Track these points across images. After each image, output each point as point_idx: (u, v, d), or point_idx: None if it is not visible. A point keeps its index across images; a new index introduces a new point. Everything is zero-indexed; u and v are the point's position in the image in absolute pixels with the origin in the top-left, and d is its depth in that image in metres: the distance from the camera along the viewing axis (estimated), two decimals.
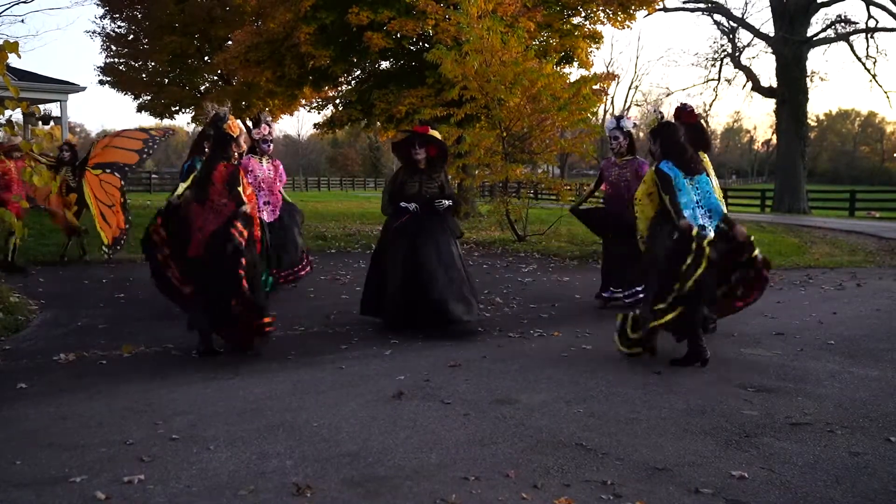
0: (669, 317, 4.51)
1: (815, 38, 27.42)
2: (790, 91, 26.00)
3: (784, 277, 8.91)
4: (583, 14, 17.50)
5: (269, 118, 7.50)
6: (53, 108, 19.85)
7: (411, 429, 3.49)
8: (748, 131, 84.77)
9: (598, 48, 18.47)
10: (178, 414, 3.67)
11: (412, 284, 5.49)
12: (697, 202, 4.67)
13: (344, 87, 19.49)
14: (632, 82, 74.49)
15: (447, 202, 5.75)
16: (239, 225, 4.73)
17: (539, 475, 2.97)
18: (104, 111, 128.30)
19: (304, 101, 25.11)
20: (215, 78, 27.52)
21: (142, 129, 8.86)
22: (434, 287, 5.42)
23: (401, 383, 4.26)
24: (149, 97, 27.45)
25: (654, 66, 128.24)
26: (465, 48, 11.64)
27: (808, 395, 4.09)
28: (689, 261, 4.39)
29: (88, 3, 74.04)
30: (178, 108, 27.67)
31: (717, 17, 31.05)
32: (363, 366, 4.69)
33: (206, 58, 26.59)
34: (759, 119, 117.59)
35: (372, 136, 50.35)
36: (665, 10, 29.65)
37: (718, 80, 33.68)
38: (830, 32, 28.22)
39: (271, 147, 7.32)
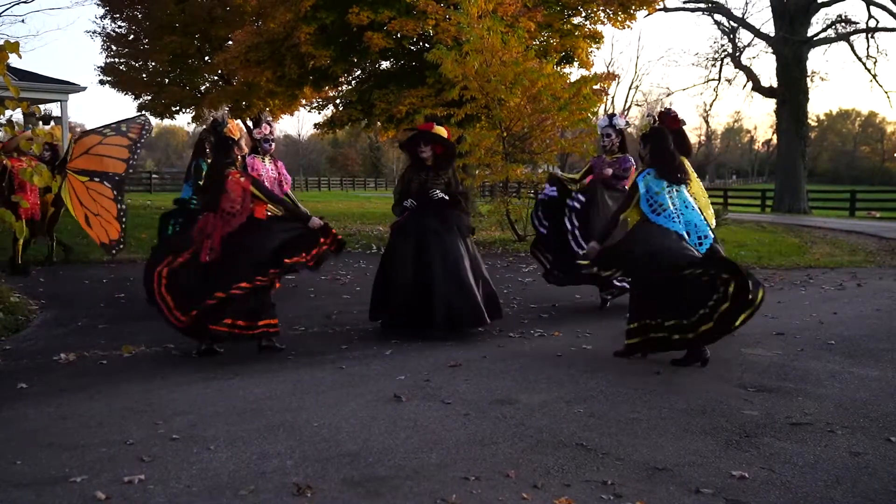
0: (636, 340, 4.63)
1: (815, 38, 27.42)
2: (790, 91, 26.00)
3: (784, 277, 8.91)
4: (583, 14, 17.48)
5: (270, 118, 7.50)
6: (54, 108, 19.82)
7: (411, 429, 3.49)
8: (748, 131, 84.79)
9: (598, 48, 18.46)
10: (178, 414, 3.67)
11: (418, 287, 5.37)
12: (678, 213, 4.73)
13: (344, 87, 19.47)
14: (632, 82, 74.37)
15: (439, 192, 5.54)
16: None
17: (539, 475, 2.96)
18: (105, 111, 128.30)
19: (304, 101, 25.09)
20: (215, 78, 27.51)
21: (120, 131, 8.56)
22: (438, 292, 5.30)
23: (401, 383, 4.26)
24: (149, 97, 27.44)
25: (654, 66, 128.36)
26: (465, 48, 11.64)
27: (809, 395, 4.09)
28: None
29: (89, 3, 74.12)
30: (178, 108, 27.66)
31: (718, 17, 31.06)
32: (363, 366, 4.69)
33: (206, 58, 26.57)
34: (760, 119, 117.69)
35: (372, 136, 50.29)
36: (665, 10, 29.66)
37: (719, 80, 33.70)
38: (831, 32, 28.24)
39: (273, 146, 7.32)
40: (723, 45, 32.40)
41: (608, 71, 24.11)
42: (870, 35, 28.13)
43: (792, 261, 10.53)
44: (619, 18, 17.38)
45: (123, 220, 8.05)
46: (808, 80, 27.06)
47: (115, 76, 26.88)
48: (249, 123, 29.59)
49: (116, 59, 27.10)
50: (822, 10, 29.15)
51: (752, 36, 32.12)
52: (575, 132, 13.41)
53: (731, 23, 30.86)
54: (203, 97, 26.36)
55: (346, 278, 8.53)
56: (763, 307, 6.73)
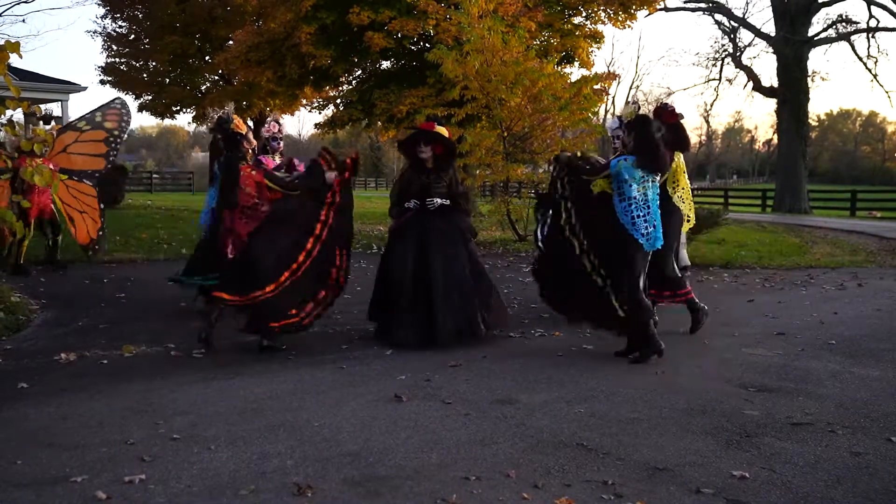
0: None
1: (816, 38, 27.41)
2: (791, 91, 25.99)
3: (785, 277, 8.90)
4: (584, 14, 17.48)
5: (278, 117, 7.56)
6: (55, 108, 19.83)
7: (412, 429, 3.49)
8: (749, 131, 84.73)
9: (599, 48, 18.46)
10: (178, 414, 3.67)
11: (418, 297, 5.21)
12: (641, 211, 4.67)
13: (345, 87, 19.47)
14: (633, 82, 74.21)
15: (438, 200, 5.39)
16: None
17: (540, 475, 2.96)
18: None
19: (304, 101, 25.10)
20: (216, 78, 27.50)
21: (95, 122, 8.30)
22: (438, 305, 5.14)
23: (401, 383, 4.26)
24: (150, 97, 27.43)
25: (655, 65, 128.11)
26: (465, 48, 11.63)
27: (810, 395, 4.09)
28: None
29: (89, 3, 74.04)
30: (178, 107, 27.66)
31: (718, 16, 31.07)
32: (364, 365, 4.69)
33: (206, 58, 26.56)
34: (760, 119, 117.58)
35: (373, 136, 50.28)
36: (666, 9, 29.67)
37: (719, 79, 33.72)
38: (831, 32, 28.23)
39: (281, 144, 7.38)
40: (723, 45, 32.45)
41: (609, 71, 24.09)
42: (870, 35, 28.15)
43: (793, 261, 10.53)
44: (620, 18, 17.37)
45: (102, 219, 7.97)
46: (809, 79, 27.08)
47: (115, 76, 26.88)
48: (251, 123, 29.64)
49: (117, 59, 27.10)
50: (823, 10, 29.15)
51: (753, 36, 32.12)
52: (576, 132, 13.40)
53: (732, 22, 30.89)
54: (203, 97, 26.35)
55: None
56: (763, 307, 6.77)
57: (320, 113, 21.69)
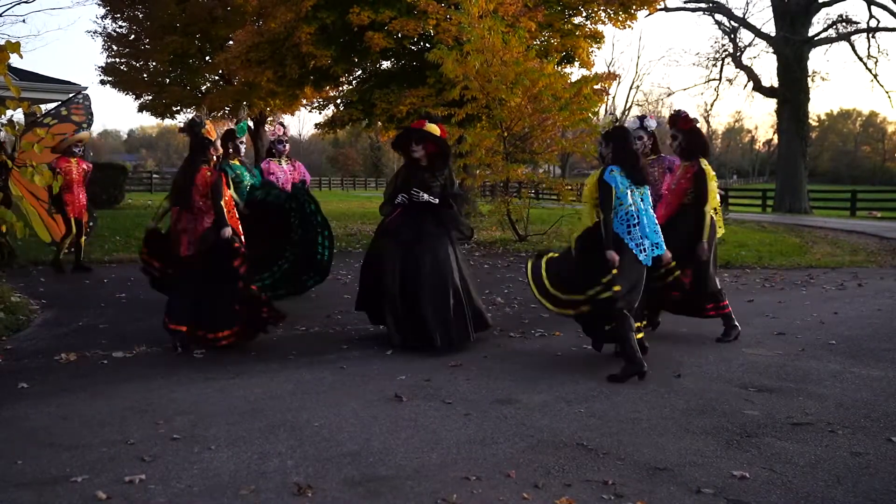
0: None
1: (816, 38, 27.40)
2: (791, 91, 25.99)
3: (785, 277, 8.91)
4: (584, 14, 17.49)
5: (284, 119, 7.62)
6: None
7: (412, 429, 3.49)
8: (749, 131, 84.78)
9: (599, 48, 18.47)
10: (179, 414, 3.67)
11: (408, 299, 5.12)
12: (636, 220, 4.51)
13: (345, 87, 19.48)
14: (633, 82, 74.64)
15: (425, 196, 5.20)
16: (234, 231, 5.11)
17: (540, 475, 2.96)
18: (105, 111, 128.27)
19: (305, 101, 25.12)
20: (216, 78, 27.54)
21: (61, 116, 8.22)
22: (425, 307, 5.03)
23: (402, 383, 4.26)
24: (150, 97, 27.47)
25: (655, 65, 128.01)
26: (466, 48, 11.64)
27: (810, 395, 4.09)
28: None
29: (90, 3, 74.09)
30: (179, 107, 27.69)
31: (719, 16, 31.04)
32: (364, 365, 4.69)
33: (207, 58, 26.60)
34: (761, 119, 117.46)
35: (373, 135, 50.30)
36: (666, 9, 29.66)
37: (719, 79, 33.67)
38: (832, 32, 28.21)
39: (287, 147, 7.44)
40: (723, 45, 32.41)
41: (609, 71, 24.16)
42: (871, 35, 28.13)
43: (793, 261, 10.52)
44: (620, 18, 17.38)
45: (93, 213, 7.95)
46: (809, 79, 27.06)
47: (115, 76, 26.92)
48: (251, 123, 29.65)
49: (117, 59, 27.14)
50: (823, 10, 29.17)
51: (753, 36, 32.10)
52: (576, 132, 13.41)
53: (732, 23, 30.87)
54: (204, 97, 26.39)
55: (346, 278, 8.54)
56: (764, 307, 6.77)
57: (320, 113, 21.76)
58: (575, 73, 18.09)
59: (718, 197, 5.57)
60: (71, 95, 8.24)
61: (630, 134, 4.80)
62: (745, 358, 4.93)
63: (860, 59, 28.95)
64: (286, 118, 35.72)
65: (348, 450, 3.22)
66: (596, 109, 13.08)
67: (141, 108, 27.76)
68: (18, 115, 9.12)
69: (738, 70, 32.78)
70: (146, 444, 3.26)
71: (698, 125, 5.53)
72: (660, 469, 3.04)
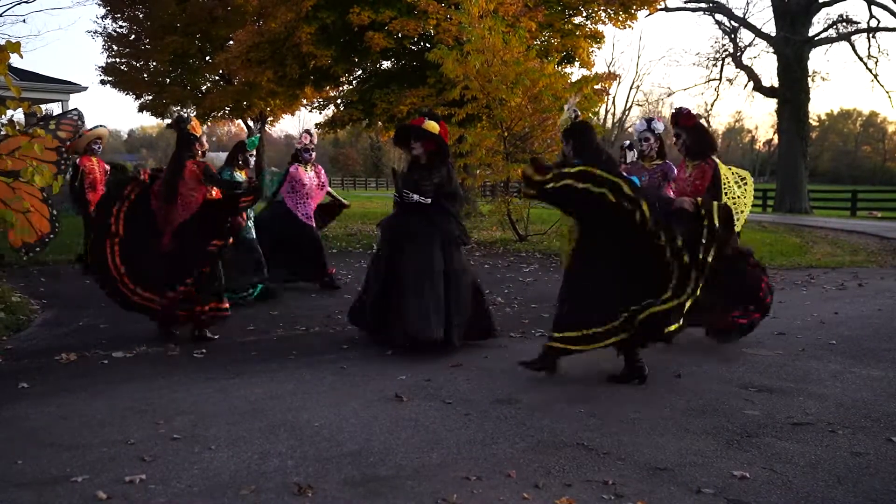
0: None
1: (816, 38, 27.38)
2: (791, 91, 25.97)
3: (786, 277, 8.90)
4: (584, 14, 17.49)
5: (312, 129, 7.77)
6: (55, 109, 19.86)
7: (412, 429, 3.49)
8: (749, 131, 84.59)
9: (599, 48, 18.48)
10: (179, 414, 3.67)
11: (387, 297, 5.10)
12: None
13: (345, 87, 19.48)
14: (633, 82, 74.58)
15: (415, 196, 5.10)
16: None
17: (540, 475, 2.96)
18: (106, 111, 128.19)
19: (305, 101, 25.11)
20: (216, 78, 27.51)
21: (49, 130, 8.26)
22: (405, 306, 4.96)
23: (402, 383, 4.26)
24: (150, 97, 27.45)
25: (655, 65, 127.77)
26: (466, 48, 11.64)
27: (810, 395, 4.09)
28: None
29: (90, 3, 74.15)
30: (179, 108, 27.66)
31: (719, 16, 31.00)
32: (364, 365, 4.69)
33: (207, 58, 26.57)
34: (761, 119, 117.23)
35: (373, 135, 50.29)
36: (666, 9, 29.63)
37: (720, 79, 33.60)
38: (832, 32, 28.18)
39: (313, 155, 7.62)
40: (724, 45, 32.37)
41: (609, 71, 24.16)
42: (871, 35, 28.09)
43: (793, 261, 10.52)
44: (621, 18, 17.39)
45: (56, 224, 7.92)
46: (810, 79, 27.03)
47: (116, 76, 26.89)
48: (251, 122, 29.65)
49: (117, 59, 27.11)
50: (824, 10, 29.11)
51: (754, 36, 32.00)
52: None
53: (732, 23, 30.84)
54: (204, 97, 26.39)
55: (347, 278, 8.53)
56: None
57: (321, 113, 21.74)
58: (575, 73, 18.08)
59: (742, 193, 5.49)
60: (67, 111, 8.23)
61: (592, 129, 4.63)
62: (746, 358, 4.93)
63: (860, 59, 28.93)
64: (286, 118, 35.71)
65: (348, 450, 3.22)
66: (596, 109, 13.08)
67: (141, 108, 27.74)
68: (19, 115, 9.12)
69: (738, 70, 32.74)
70: (146, 444, 3.26)
71: (701, 121, 5.44)
72: (660, 469, 3.04)
